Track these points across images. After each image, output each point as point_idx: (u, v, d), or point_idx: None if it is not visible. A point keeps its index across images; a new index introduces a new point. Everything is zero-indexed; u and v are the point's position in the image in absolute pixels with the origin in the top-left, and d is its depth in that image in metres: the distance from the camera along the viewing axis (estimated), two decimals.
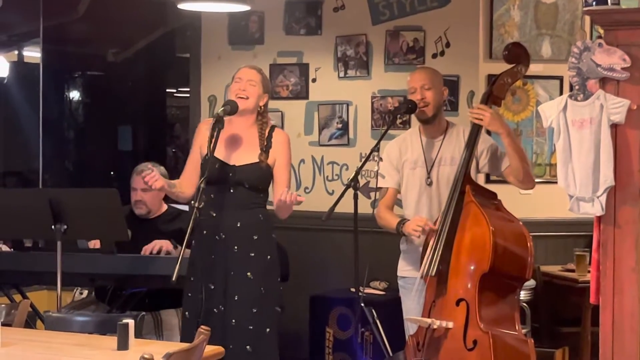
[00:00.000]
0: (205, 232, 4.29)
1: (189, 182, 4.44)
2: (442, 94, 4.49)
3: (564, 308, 5.47)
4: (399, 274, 4.55)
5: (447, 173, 4.38)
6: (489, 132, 4.83)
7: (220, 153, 4.34)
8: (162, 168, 5.21)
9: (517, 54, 4.29)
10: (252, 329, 4.25)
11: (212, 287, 4.29)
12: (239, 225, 4.29)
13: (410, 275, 4.44)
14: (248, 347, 4.23)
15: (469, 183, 4.17)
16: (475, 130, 4.25)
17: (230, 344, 4.20)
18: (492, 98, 4.30)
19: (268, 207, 4.37)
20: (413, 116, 5.59)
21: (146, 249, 4.83)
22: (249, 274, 4.26)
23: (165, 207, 5.20)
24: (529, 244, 4.04)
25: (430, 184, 4.41)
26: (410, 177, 4.47)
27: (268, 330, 4.29)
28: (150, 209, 5.12)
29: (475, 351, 3.89)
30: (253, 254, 4.28)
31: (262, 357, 4.28)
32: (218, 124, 4.18)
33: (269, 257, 4.33)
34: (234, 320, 4.25)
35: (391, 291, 5.40)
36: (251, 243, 4.29)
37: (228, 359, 4.10)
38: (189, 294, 4.31)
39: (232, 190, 4.32)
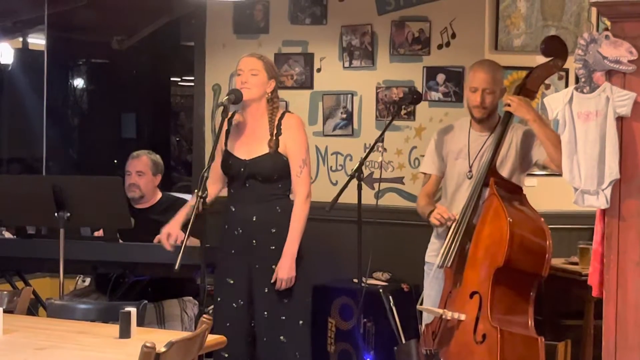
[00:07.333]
0: (226, 226, 4.32)
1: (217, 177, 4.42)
2: (501, 93, 4.41)
3: (567, 301, 5.45)
4: (426, 259, 4.55)
5: None
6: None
7: (232, 147, 4.33)
8: (158, 156, 5.17)
9: (554, 48, 4.27)
10: (285, 319, 4.25)
11: (231, 282, 4.29)
12: (254, 219, 4.28)
13: (433, 261, 4.44)
14: (282, 337, 4.23)
15: (494, 176, 4.15)
16: (505, 122, 4.24)
17: (265, 336, 4.20)
18: (524, 91, 4.29)
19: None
20: (418, 108, 5.63)
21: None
22: (273, 266, 4.24)
23: (159, 195, 5.15)
24: (547, 241, 4.00)
25: (470, 177, 4.38)
26: (451, 167, 4.46)
27: (301, 322, 4.29)
28: (144, 193, 5.07)
29: (484, 345, 3.90)
30: (273, 247, 4.27)
31: (297, 348, 4.27)
32: (223, 113, 4.17)
33: None
34: (265, 312, 4.25)
35: (393, 282, 5.40)
36: (270, 236, 4.28)
37: (263, 350, 4.12)
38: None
39: (247, 185, 4.31)
